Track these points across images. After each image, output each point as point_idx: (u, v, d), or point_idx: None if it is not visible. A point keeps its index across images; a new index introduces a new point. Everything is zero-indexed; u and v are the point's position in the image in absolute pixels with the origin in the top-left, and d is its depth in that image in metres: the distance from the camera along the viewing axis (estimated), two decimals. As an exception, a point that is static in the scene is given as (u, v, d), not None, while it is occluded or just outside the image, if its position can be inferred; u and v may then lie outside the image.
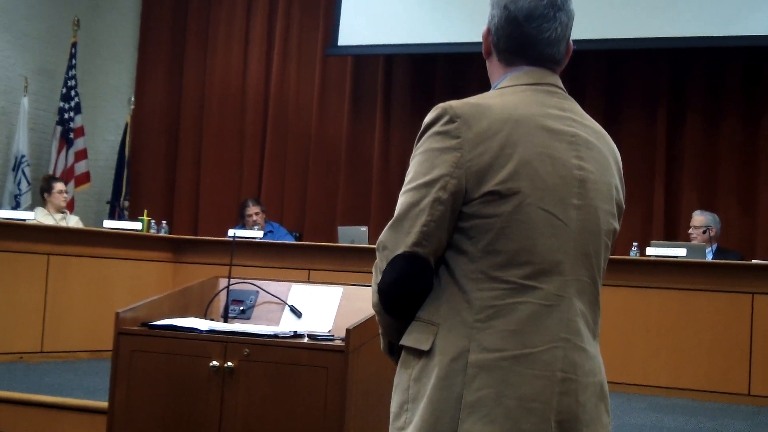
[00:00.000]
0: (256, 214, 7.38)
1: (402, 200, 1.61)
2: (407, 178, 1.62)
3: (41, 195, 7.02)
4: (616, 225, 1.71)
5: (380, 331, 1.72)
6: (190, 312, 3.18)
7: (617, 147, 1.77)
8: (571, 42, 1.75)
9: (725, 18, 6.79)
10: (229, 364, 2.83)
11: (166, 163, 8.69)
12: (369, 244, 6.31)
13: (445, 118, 1.59)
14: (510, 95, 1.66)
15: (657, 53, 7.27)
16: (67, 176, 7.92)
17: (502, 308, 1.56)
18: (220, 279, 3.31)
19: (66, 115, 8.18)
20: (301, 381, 2.78)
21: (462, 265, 1.58)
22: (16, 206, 7.57)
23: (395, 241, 1.59)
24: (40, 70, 8.32)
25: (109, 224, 6.70)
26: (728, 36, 6.75)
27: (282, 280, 3.35)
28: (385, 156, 8.03)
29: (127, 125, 8.52)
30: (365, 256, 5.97)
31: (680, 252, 5.74)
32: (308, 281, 4.32)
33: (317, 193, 8.19)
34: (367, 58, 8.16)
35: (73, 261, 5.97)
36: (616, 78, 7.49)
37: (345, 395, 2.72)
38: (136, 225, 6.64)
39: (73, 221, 6.97)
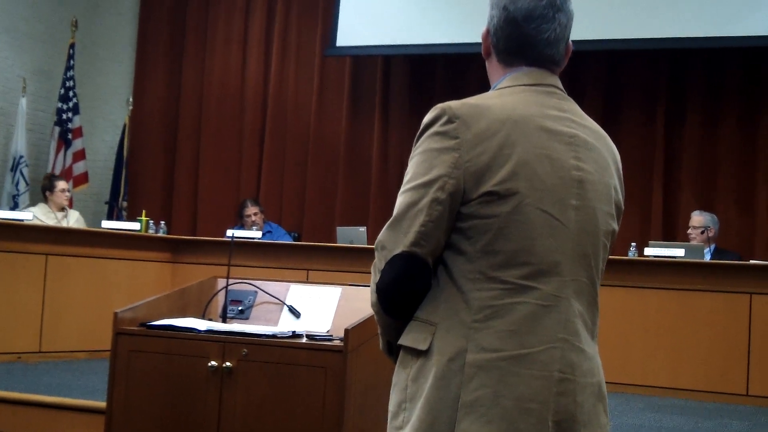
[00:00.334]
0: (255, 214, 7.38)
1: (400, 200, 1.61)
2: (406, 178, 1.62)
3: (43, 193, 7.01)
4: (615, 226, 1.71)
5: (379, 330, 1.72)
6: (188, 312, 3.18)
7: (616, 147, 1.77)
8: (570, 42, 1.75)
9: (724, 18, 6.79)
10: (228, 364, 2.82)
11: (165, 163, 8.68)
12: (367, 244, 6.31)
13: (444, 119, 1.59)
14: (509, 96, 1.66)
15: (656, 53, 7.26)
16: (65, 177, 7.89)
17: (500, 308, 1.56)
18: (219, 279, 3.31)
19: (64, 116, 8.18)
20: (300, 381, 2.77)
21: (460, 266, 1.58)
22: (14, 207, 7.56)
23: (393, 241, 1.59)
24: (38, 71, 8.32)
25: (107, 224, 6.71)
26: (727, 36, 6.75)
27: (280, 281, 3.34)
28: (384, 156, 8.02)
29: (125, 126, 8.52)
30: (364, 256, 5.97)
31: (678, 252, 5.74)
32: (307, 281, 4.33)
33: (316, 193, 8.18)
34: (366, 58, 8.16)
35: (71, 261, 5.97)
36: (615, 78, 7.49)
37: (344, 395, 2.72)
38: (135, 225, 6.64)
39: (74, 217, 6.97)
